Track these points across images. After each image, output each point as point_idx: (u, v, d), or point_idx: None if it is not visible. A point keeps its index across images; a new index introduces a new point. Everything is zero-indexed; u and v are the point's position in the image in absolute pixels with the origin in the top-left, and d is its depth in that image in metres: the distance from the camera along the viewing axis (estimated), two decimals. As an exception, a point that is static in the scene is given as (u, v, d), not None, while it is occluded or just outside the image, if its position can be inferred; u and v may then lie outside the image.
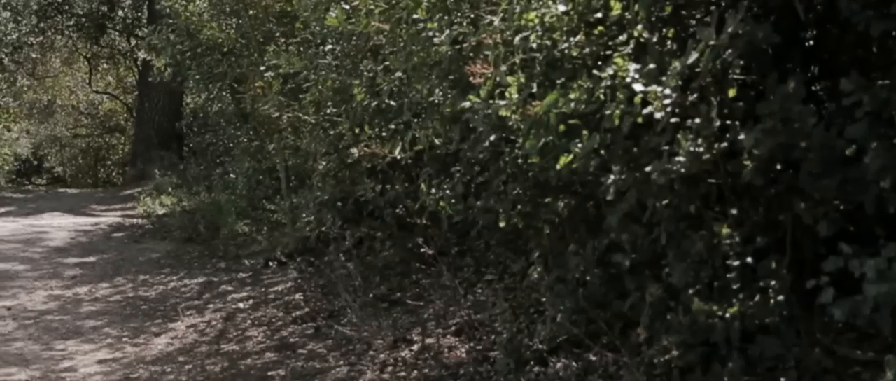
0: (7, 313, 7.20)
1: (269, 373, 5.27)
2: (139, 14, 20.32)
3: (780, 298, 3.07)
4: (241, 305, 7.05)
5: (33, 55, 22.24)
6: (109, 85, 24.78)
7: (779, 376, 3.19)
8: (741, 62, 3.06)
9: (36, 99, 25.18)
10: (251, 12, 9.14)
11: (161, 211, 12.82)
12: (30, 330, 6.69)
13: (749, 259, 3.13)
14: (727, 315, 3.09)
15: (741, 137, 3.00)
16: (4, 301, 7.56)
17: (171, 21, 10.22)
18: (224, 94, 10.50)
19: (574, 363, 4.24)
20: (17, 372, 5.57)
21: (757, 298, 3.08)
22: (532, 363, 4.36)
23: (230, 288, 7.68)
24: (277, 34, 8.94)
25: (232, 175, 11.21)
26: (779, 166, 3.14)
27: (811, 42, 3.56)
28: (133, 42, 20.54)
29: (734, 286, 3.12)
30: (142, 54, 11.82)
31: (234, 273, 8.21)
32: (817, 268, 3.01)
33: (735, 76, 3.09)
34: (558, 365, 4.28)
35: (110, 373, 5.57)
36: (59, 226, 11.91)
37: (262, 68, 7.70)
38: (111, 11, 20.63)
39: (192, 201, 12.32)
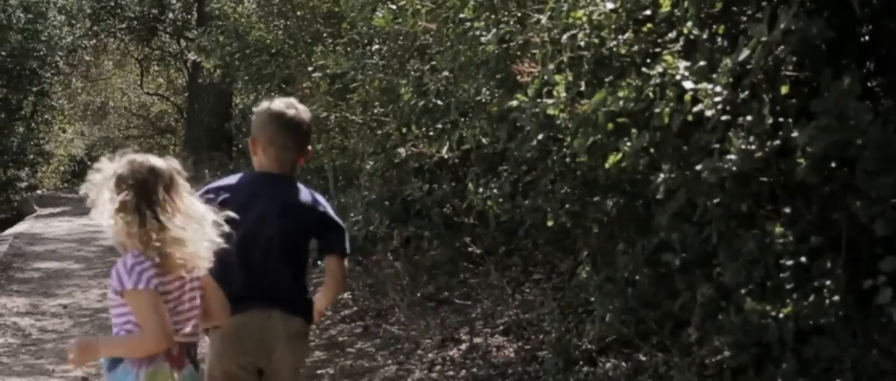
0: (63, 311, 7.35)
1: (318, 372, 5.30)
2: (189, 16, 20.61)
3: (836, 298, 3.01)
4: (290, 304, 7.11)
5: (87, 58, 22.69)
6: (160, 87, 25.19)
7: (834, 378, 3.13)
8: (794, 58, 3.01)
9: (89, 101, 25.71)
10: (299, 13, 9.21)
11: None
12: (85, 327, 6.82)
13: (803, 259, 3.07)
14: (781, 316, 3.04)
15: (794, 134, 2.94)
16: (61, 299, 7.73)
17: (220, 23, 10.35)
18: (272, 94, 10.59)
19: (624, 363, 4.21)
20: (74, 369, 5.69)
21: (811, 298, 3.03)
22: (581, 362, 4.34)
23: (279, 287, 7.76)
24: (325, 35, 9.00)
25: (280, 175, 11.31)
26: (833, 164, 3.08)
27: (867, 37, 3.49)
28: (183, 44, 20.84)
29: (788, 286, 3.07)
30: (191, 56, 11.97)
31: (283, 272, 8.28)
32: (874, 268, 2.95)
33: (788, 73, 3.04)
34: (607, 365, 4.25)
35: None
36: (112, 226, 12.09)
37: (310, 69, 7.76)
38: (162, 14, 20.95)
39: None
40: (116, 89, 26.02)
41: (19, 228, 15.32)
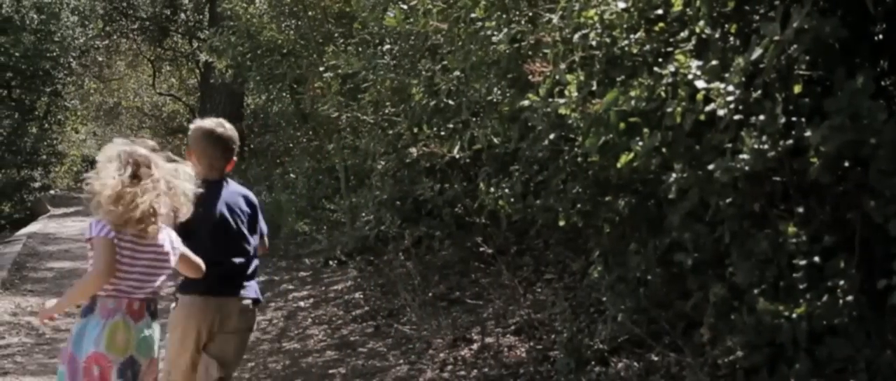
0: (76, 311, 7.37)
1: (330, 371, 5.31)
2: (201, 17, 20.68)
3: (850, 298, 3.00)
4: (301, 303, 7.12)
5: (99, 59, 22.79)
6: (172, 87, 25.27)
7: (848, 378, 3.11)
8: (807, 58, 2.99)
9: (102, 101, 25.82)
10: (310, 13, 9.23)
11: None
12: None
13: (816, 258, 3.06)
14: (794, 316, 3.03)
15: (807, 134, 2.93)
16: (73, 299, 7.75)
17: (231, 23, 10.38)
18: (284, 94, 10.63)
19: (635, 364, 4.20)
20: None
21: (825, 298, 3.01)
22: (593, 362, 4.33)
23: (291, 287, 7.77)
24: (336, 35, 9.02)
25: (292, 175, 11.34)
26: (847, 164, 3.06)
27: (880, 36, 3.47)
28: (195, 44, 20.91)
29: (801, 286, 3.05)
30: (203, 56, 12.01)
31: (295, 272, 8.30)
32: (888, 267, 2.93)
33: (801, 72, 3.03)
34: (619, 365, 4.24)
35: (175, 370, 5.66)
36: (124, 226, 12.14)
37: (321, 69, 7.78)
38: (174, 15, 21.03)
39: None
40: (129, 90, 26.13)
41: (33, 227, 15.40)
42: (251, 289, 3.95)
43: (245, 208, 3.98)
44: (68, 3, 18.22)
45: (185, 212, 3.36)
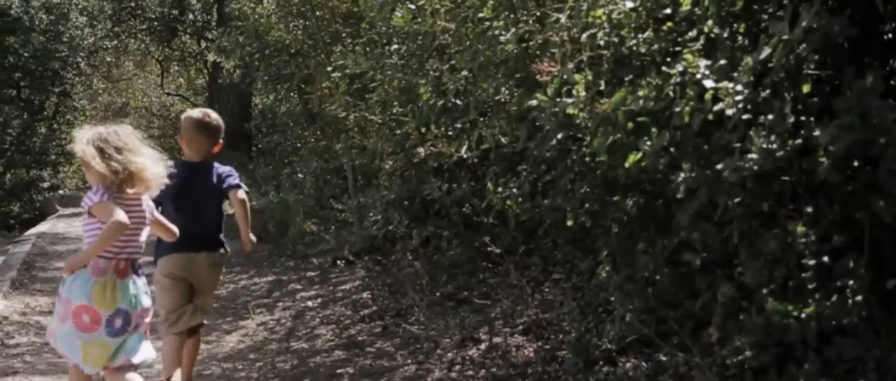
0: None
1: (338, 371, 5.32)
2: (209, 17, 20.72)
3: (859, 298, 2.99)
4: (309, 303, 7.13)
5: (108, 59, 22.86)
6: (181, 87, 25.32)
7: (857, 378, 3.10)
8: (816, 57, 2.98)
9: (111, 101, 25.89)
10: (318, 13, 9.25)
11: (231, 211, 13.05)
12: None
13: (825, 258, 3.05)
14: (803, 316, 3.02)
15: (816, 133, 2.92)
16: (82, 299, 7.77)
17: (239, 23, 10.40)
18: (292, 94, 10.65)
19: (644, 363, 4.19)
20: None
21: (834, 298, 3.01)
22: (601, 362, 4.32)
23: (299, 287, 7.78)
24: (344, 35, 9.03)
25: (300, 175, 11.35)
26: (856, 163, 3.05)
27: (890, 35, 3.45)
28: (203, 44, 20.96)
29: (810, 286, 3.05)
30: (212, 56, 12.03)
31: (303, 272, 8.31)
32: (897, 267, 2.93)
33: (809, 71, 3.02)
34: (628, 365, 4.24)
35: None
36: (133, 225, 12.16)
37: (329, 69, 7.78)
38: (182, 15, 21.08)
39: (260, 201, 12.51)
40: (137, 90, 26.20)
41: (42, 227, 15.44)
42: (215, 244, 4.81)
43: (216, 185, 4.74)
44: (77, 3, 18.29)
45: (154, 190, 3.92)
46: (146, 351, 3.94)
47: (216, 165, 4.81)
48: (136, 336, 3.88)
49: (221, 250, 4.86)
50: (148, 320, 3.96)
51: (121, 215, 3.64)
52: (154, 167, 3.87)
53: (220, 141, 4.83)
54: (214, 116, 4.86)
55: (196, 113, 4.86)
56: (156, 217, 4.04)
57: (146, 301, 3.92)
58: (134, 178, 3.80)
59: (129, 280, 3.83)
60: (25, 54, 17.10)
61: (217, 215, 4.85)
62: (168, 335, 4.70)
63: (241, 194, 4.77)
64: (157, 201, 4.16)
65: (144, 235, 3.94)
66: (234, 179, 4.80)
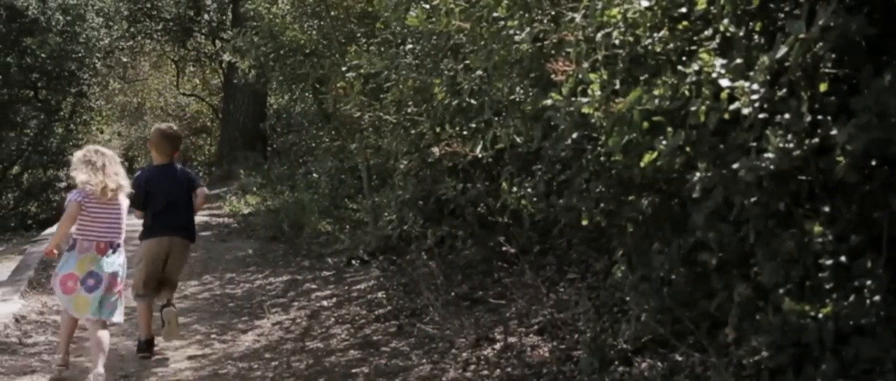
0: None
1: (353, 370, 5.32)
2: (224, 17, 20.80)
3: (877, 298, 2.97)
4: (324, 303, 7.14)
5: (124, 59, 22.96)
6: (196, 87, 25.43)
7: (875, 379, 3.08)
8: (833, 55, 2.97)
9: (126, 102, 26.01)
10: (333, 13, 9.26)
11: (246, 210, 13.09)
12: (124, 326, 6.89)
13: (843, 258, 3.03)
14: (820, 316, 3.00)
15: (833, 132, 2.90)
16: (99, 299, 7.81)
17: (254, 24, 10.42)
18: (307, 94, 10.66)
19: (659, 363, 4.18)
20: (116, 367, 5.76)
21: (851, 298, 2.99)
22: (616, 362, 4.31)
23: (314, 286, 7.79)
24: (358, 35, 9.04)
25: (315, 175, 11.39)
26: (874, 162, 3.03)
27: (907, 33, 3.43)
28: (218, 45, 21.04)
29: (827, 286, 3.03)
30: (227, 57, 12.06)
31: (318, 271, 8.32)
32: (915, 267, 2.90)
33: (826, 70, 3.00)
34: (643, 365, 4.23)
35: (200, 369, 5.71)
36: (149, 225, 12.21)
37: (344, 69, 7.80)
38: (197, 15, 21.17)
39: (276, 201, 12.55)
40: (153, 90, 26.32)
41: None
42: (185, 232, 6.09)
43: (183, 182, 6.08)
44: (93, 4, 18.36)
45: (125, 191, 5.50)
46: (119, 316, 5.47)
47: (178, 165, 6.24)
48: (114, 299, 5.38)
49: (190, 237, 6.17)
50: (119, 288, 5.42)
51: (66, 217, 5.36)
52: (123, 180, 5.47)
53: (178, 149, 6.35)
54: (176, 128, 6.54)
55: (163, 126, 6.44)
56: (129, 212, 5.63)
57: (117, 271, 5.41)
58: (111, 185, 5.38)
59: (106, 256, 5.38)
60: (42, 55, 17.20)
61: (187, 207, 6.08)
62: (139, 302, 5.97)
63: (204, 190, 6.28)
64: (137, 196, 5.81)
65: (121, 225, 5.46)
66: (199, 181, 6.30)
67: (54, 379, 5.40)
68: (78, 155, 5.47)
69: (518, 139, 4.58)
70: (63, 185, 19.40)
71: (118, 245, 5.41)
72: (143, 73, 25.93)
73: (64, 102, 19.15)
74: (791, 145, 2.92)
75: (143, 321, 5.91)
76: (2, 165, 18.69)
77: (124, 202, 5.49)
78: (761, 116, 3.00)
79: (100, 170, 5.33)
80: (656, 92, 3.26)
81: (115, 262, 5.38)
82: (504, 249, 5.80)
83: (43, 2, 16.96)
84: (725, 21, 3.23)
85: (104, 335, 5.31)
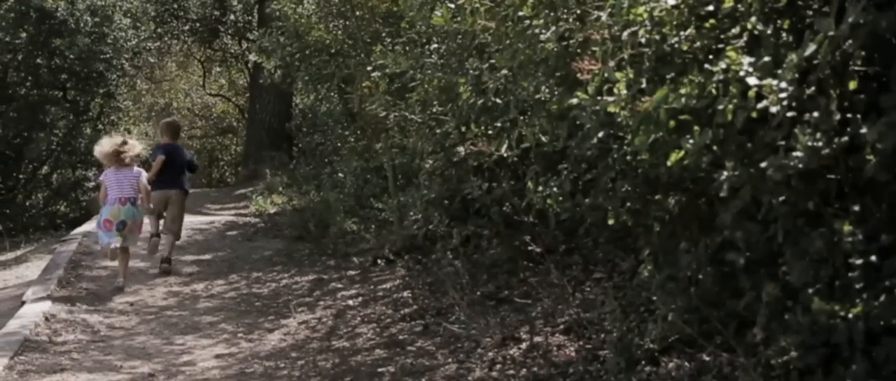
0: (130, 309, 7.51)
1: (379, 370, 5.34)
2: (250, 18, 20.90)
3: (908, 298, 2.93)
4: (350, 302, 7.16)
5: (151, 60, 23.11)
6: (222, 87, 25.58)
7: (906, 379, 3.05)
8: (862, 53, 2.94)
9: (154, 102, 26.20)
10: (358, 13, 9.28)
11: (272, 210, 13.16)
12: (151, 325, 6.96)
13: (873, 258, 3.00)
14: (850, 316, 2.97)
15: (863, 130, 2.87)
16: (128, 297, 7.89)
17: (280, 24, 10.47)
18: (332, 94, 10.70)
19: (687, 363, 4.16)
20: (141, 365, 5.81)
21: (882, 298, 2.96)
22: (643, 362, 4.29)
23: (340, 285, 7.82)
24: (384, 34, 9.05)
25: (340, 174, 11.41)
26: (904, 161, 3.00)
27: (939, 30, 3.39)
28: (244, 45, 21.15)
29: (857, 286, 3.00)
30: (253, 57, 12.13)
31: (344, 271, 8.35)
32: (947, 267, 2.87)
33: (856, 68, 2.97)
34: (670, 365, 4.21)
35: (227, 367, 5.74)
36: (176, 225, 12.29)
37: (369, 68, 7.81)
38: (223, 16, 21.28)
39: (301, 200, 12.60)
40: (179, 90, 26.50)
41: (88, 227, 15.66)
42: (181, 185, 9.19)
43: (183, 156, 9.28)
44: (121, 5, 18.50)
45: (141, 159, 8.40)
46: (135, 242, 8.48)
47: (182, 147, 9.53)
48: (132, 236, 8.26)
49: (183, 190, 9.20)
50: (138, 229, 8.36)
51: (104, 190, 8.18)
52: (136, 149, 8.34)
53: (180, 135, 9.94)
54: (177, 119, 9.78)
55: (168, 119, 9.94)
56: (141, 181, 8.27)
57: (137, 216, 8.23)
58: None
59: (126, 208, 8.08)
60: (71, 56, 17.33)
61: (182, 172, 9.22)
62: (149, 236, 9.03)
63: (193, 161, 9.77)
64: (155, 158, 9.16)
65: (136, 187, 8.18)
66: (194, 159, 10.05)
67: (117, 288, 8.17)
68: (106, 142, 8.46)
69: (543, 138, 4.57)
70: (92, 184, 19.57)
71: (134, 199, 8.12)
72: (169, 73, 26.12)
73: (92, 103, 19.28)
74: (820, 144, 2.89)
75: (152, 245, 9.11)
76: (32, 166, 18.87)
77: (137, 171, 8.22)
78: (790, 114, 2.98)
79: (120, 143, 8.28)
80: (683, 91, 3.25)
81: (133, 212, 8.13)
82: (530, 248, 5.79)
83: (72, 3, 17.11)
84: (753, 19, 3.20)
85: (126, 257, 8.30)
